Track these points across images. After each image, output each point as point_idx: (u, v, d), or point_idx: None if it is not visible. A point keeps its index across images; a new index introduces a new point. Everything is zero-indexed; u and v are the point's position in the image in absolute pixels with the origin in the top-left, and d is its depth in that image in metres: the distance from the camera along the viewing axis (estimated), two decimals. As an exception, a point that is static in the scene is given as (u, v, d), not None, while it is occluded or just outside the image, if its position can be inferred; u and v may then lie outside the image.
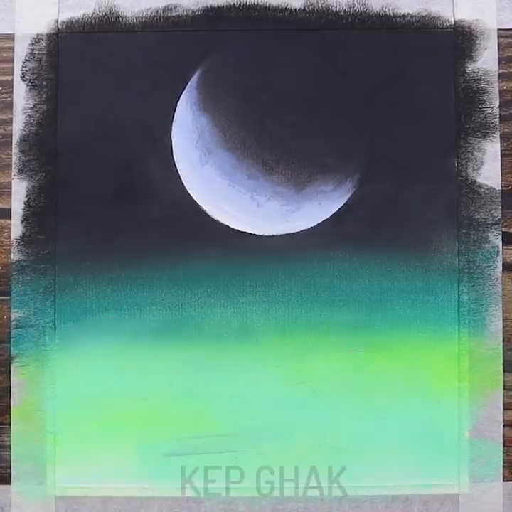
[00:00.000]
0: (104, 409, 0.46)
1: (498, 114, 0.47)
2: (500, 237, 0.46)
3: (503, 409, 0.46)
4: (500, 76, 0.47)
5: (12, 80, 0.47)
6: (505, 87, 0.47)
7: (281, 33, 0.47)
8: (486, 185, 0.46)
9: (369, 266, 0.46)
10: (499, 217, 0.46)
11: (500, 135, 0.47)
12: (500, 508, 0.46)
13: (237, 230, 0.46)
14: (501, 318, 0.46)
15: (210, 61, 0.47)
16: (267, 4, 0.47)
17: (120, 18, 0.47)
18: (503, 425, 0.46)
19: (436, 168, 0.47)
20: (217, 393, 0.46)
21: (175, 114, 0.47)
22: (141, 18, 0.47)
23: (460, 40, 0.47)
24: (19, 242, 0.46)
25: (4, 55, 0.47)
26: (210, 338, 0.46)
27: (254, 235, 0.46)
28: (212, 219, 0.46)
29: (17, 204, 0.47)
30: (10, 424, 0.46)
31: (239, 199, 0.47)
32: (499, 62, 0.47)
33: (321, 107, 0.47)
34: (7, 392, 0.46)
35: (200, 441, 0.46)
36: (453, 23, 0.47)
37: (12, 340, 0.46)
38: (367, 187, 0.46)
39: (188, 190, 0.47)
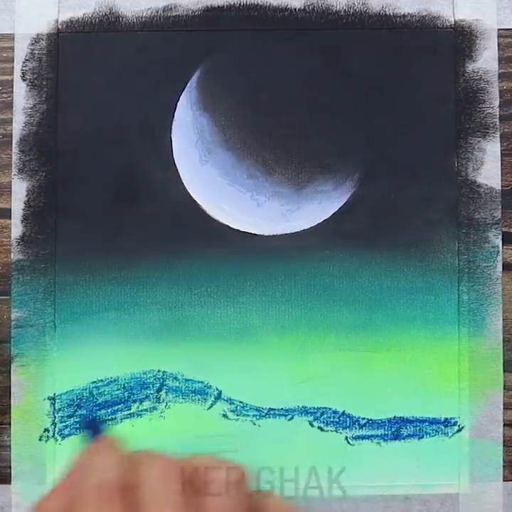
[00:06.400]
0: (103, 409, 0.46)
1: (498, 114, 0.47)
2: (500, 237, 0.46)
3: (503, 409, 0.46)
4: (501, 76, 0.47)
5: (12, 80, 0.47)
6: (505, 87, 0.47)
7: (281, 33, 0.47)
8: (486, 185, 0.46)
9: (369, 266, 0.46)
10: (499, 217, 0.46)
11: (500, 135, 0.47)
12: (500, 508, 0.45)
13: (237, 230, 0.46)
14: (501, 318, 0.46)
15: (210, 61, 0.47)
16: (267, 4, 0.47)
17: (120, 18, 0.47)
18: (503, 425, 0.46)
19: (436, 168, 0.47)
20: (217, 392, 0.46)
21: (175, 114, 0.47)
22: (141, 18, 0.47)
23: (460, 40, 0.47)
24: (19, 242, 0.46)
25: (4, 55, 0.47)
26: (210, 337, 0.46)
27: (255, 234, 0.46)
28: (213, 219, 0.46)
29: (17, 204, 0.47)
30: (10, 424, 0.46)
31: (239, 199, 0.47)
32: (499, 62, 0.47)
33: (321, 107, 0.47)
34: (7, 392, 0.46)
35: (201, 441, 0.46)
36: (453, 23, 0.47)
37: (12, 340, 0.46)
38: (367, 187, 0.46)
39: (188, 190, 0.47)
